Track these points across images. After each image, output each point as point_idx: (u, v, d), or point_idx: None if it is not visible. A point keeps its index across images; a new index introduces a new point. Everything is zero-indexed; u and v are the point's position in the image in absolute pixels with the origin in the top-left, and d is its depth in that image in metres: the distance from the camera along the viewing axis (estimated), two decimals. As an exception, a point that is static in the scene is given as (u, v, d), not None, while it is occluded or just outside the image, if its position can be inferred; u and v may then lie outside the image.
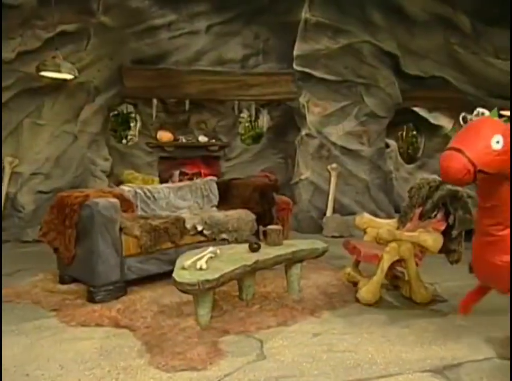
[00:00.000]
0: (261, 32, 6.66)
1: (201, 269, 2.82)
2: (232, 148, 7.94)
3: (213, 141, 7.76)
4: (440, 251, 3.36)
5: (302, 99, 6.51)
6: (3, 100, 5.57)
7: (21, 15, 5.16)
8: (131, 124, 8.83)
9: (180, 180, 7.39)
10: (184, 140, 7.62)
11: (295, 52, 6.21)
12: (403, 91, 6.48)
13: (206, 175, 8.31)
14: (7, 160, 5.66)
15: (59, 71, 4.80)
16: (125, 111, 8.12)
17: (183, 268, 2.87)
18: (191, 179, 6.78)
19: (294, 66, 6.31)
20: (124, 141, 8.16)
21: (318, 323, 2.92)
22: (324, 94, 6.38)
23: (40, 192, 5.77)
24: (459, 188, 3.27)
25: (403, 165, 8.55)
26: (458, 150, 1.95)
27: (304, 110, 6.49)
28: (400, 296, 3.44)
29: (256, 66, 6.87)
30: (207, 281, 2.64)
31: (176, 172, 7.88)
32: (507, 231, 2.27)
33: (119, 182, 6.55)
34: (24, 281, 3.77)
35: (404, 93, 6.51)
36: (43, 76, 5.06)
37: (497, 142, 1.98)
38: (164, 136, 7.55)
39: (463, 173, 1.93)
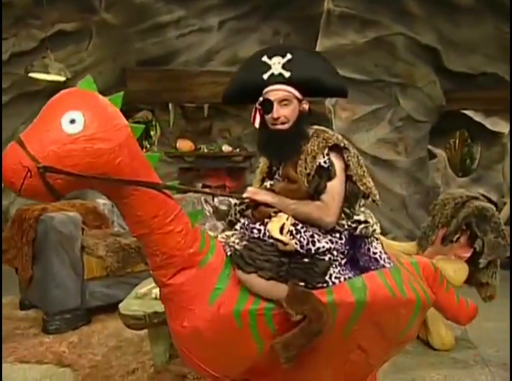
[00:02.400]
0: (281, 27, 6.39)
1: (156, 298, 2.54)
2: (259, 158, 7.69)
3: (238, 150, 7.55)
4: (472, 284, 2.92)
5: (328, 103, 6.15)
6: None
7: (14, 13, 5.19)
8: (152, 132, 8.85)
9: (204, 194, 7.21)
10: (206, 149, 7.47)
11: (318, 49, 5.88)
12: (447, 92, 5.96)
13: (230, 188, 8.11)
14: (0, 169, 5.68)
15: (47, 72, 4.74)
16: (148, 118, 8.13)
17: (137, 297, 2.60)
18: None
19: (318, 64, 5.98)
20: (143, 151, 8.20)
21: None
22: (352, 96, 5.92)
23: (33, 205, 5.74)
24: (488, 206, 2.81)
25: (455, 178, 7.92)
26: (20, 141, 1.23)
27: (331, 115, 6.12)
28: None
29: (276, 66, 6.60)
30: (156, 314, 2.35)
31: (199, 185, 7.72)
32: (185, 275, 1.48)
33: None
34: (-14, 304, 3.65)
35: (449, 94, 5.99)
36: (35, 79, 5.03)
37: (71, 122, 1.25)
38: (184, 145, 7.44)
39: (21, 175, 1.19)
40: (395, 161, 6.01)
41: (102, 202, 3.78)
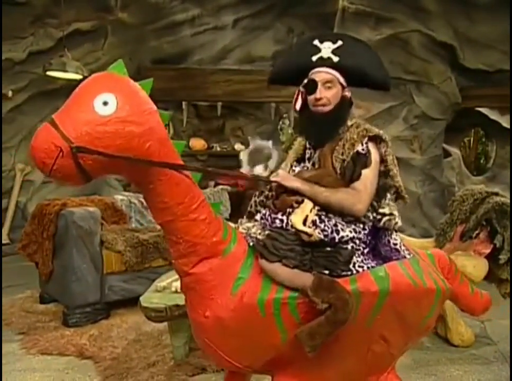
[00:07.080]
0: (295, 25, 6.40)
1: (176, 291, 2.56)
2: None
3: (250, 149, 7.56)
4: (491, 280, 2.91)
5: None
6: (16, 103, 5.72)
7: (32, 12, 5.26)
8: (165, 131, 8.89)
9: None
10: (218, 148, 7.50)
11: (332, 46, 5.88)
12: (462, 89, 5.93)
13: (243, 186, 8.13)
14: (18, 167, 5.76)
15: (65, 71, 4.79)
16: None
17: (157, 290, 2.63)
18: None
19: (332, 62, 5.98)
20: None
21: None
22: (367, 94, 5.85)
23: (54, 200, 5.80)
24: (508, 201, 2.79)
25: (470, 177, 7.86)
26: (52, 122, 1.23)
27: (345, 112, 6.12)
28: (434, 334, 2.97)
29: (290, 64, 6.60)
30: (177, 306, 2.37)
31: (211, 184, 7.75)
32: (208, 264, 1.47)
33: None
34: (6, 298, 3.70)
35: (464, 91, 5.95)
36: (53, 77, 5.08)
37: (104, 104, 1.25)
38: (197, 144, 7.47)
39: (53, 155, 1.19)
40: (410, 159, 5.98)
41: (120, 198, 3.81)
